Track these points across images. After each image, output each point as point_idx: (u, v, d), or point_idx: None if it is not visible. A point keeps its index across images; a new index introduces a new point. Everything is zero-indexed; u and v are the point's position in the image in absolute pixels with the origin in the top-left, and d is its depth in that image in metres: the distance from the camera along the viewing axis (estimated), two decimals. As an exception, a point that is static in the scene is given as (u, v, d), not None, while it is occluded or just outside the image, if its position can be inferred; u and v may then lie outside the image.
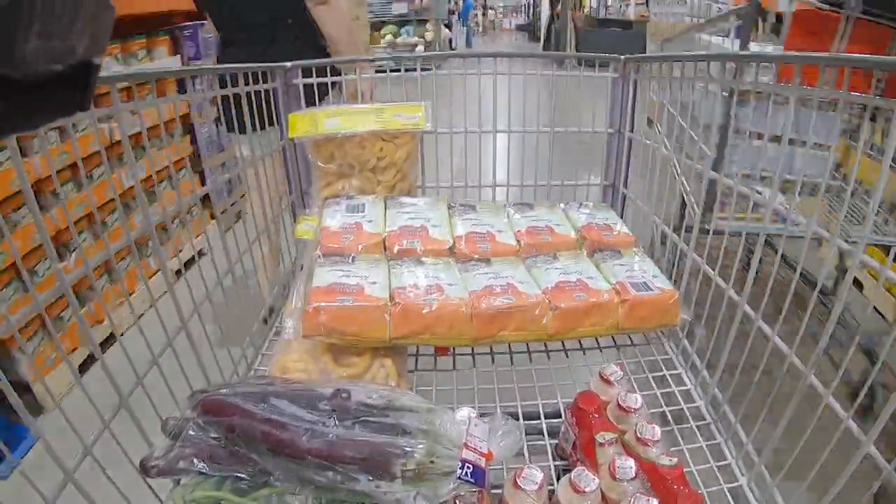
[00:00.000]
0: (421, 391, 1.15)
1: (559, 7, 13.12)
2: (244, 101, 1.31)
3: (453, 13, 14.33)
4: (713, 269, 1.15)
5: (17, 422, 2.06)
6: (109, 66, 2.84)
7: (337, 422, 0.79)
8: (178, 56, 3.52)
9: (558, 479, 0.92)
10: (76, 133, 2.45)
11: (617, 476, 0.81)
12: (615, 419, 0.96)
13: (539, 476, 0.80)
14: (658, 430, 0.90)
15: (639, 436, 0.89)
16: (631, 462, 0.82)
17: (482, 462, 0.79)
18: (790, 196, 1.70)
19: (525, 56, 1.65)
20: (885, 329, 2.56)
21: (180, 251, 2.94)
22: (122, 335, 0.90)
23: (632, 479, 0.81)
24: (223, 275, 1.23)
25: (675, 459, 0.86)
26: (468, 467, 0.77)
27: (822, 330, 0.82)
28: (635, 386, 1.11)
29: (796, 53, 0.89)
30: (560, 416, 1.10)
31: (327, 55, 2.27)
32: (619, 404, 0.96)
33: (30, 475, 0.68)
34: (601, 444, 0.88)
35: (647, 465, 0.87)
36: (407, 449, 0.76)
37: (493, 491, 0.86)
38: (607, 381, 1.02)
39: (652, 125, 1.98)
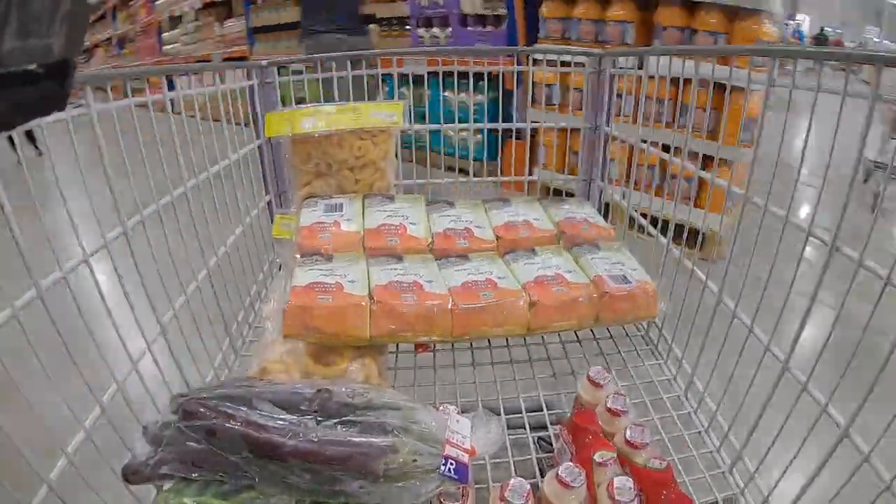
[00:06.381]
0: (401, 388, 1.15)
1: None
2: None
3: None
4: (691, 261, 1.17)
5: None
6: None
7: (318, 422, 0.79)
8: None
9: (541, 473, 0.93)
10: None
11: (615, 497, 0.79)
12: (604, 422, 0.96)
13: (526, 488, 0.79)
14: (648, 433, 0.89)
15: (628, 440, 0.88)
16: (630, 483, 0.80)
17: (465, 458, 0.79)
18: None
19: (495, 51, 1.66)
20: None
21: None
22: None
23: (630, 501, 0.78)
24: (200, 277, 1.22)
25: (665, 463, 0.86)
26: (451, 464, 0.77)
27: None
28: (619, 385, 1.12)
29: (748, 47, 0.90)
30: (541, 409, 1.11)
31: None
32: (608, 408, 0.96)
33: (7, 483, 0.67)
34: (600, 464, 0.86)
35: (636, 468, 0.86)
36: (389, 448, 0.76)
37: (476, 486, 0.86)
38: (595, 384, 1.02)
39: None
